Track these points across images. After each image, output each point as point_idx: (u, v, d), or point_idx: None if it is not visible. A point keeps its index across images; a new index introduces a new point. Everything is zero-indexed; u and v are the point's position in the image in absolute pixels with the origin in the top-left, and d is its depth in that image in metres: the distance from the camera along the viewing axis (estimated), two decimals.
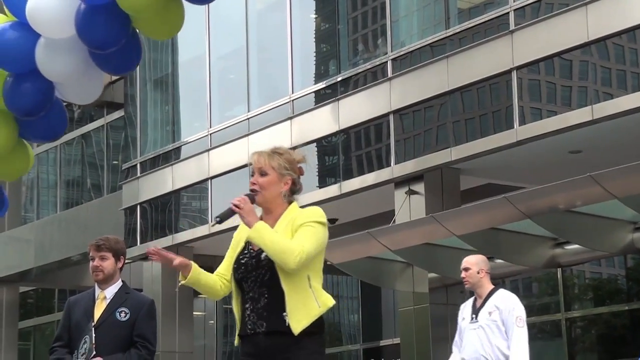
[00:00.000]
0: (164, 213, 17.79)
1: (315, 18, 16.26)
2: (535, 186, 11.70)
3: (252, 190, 4.00)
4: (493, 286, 6.47)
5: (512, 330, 6.21)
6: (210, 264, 20.22)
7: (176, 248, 17.61)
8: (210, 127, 17.10)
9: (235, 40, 17.08)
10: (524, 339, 6.25)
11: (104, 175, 23.33)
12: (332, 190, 14.59)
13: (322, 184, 15.13)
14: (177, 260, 4.06)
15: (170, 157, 17.77)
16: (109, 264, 5.14)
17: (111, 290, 5.17)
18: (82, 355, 5.01)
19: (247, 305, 3.94)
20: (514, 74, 12.13)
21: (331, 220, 16.00)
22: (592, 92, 11.51)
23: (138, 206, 18.20)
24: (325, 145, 15.15)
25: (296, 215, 3.94)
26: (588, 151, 12.33)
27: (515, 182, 13.49)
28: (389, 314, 17.65)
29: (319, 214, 3.95)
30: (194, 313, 18.96)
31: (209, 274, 4.08)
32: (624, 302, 14.51)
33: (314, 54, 16.04)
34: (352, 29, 15.20)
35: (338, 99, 14.66)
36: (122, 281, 5.25)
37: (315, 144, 15.22)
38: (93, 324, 5.05)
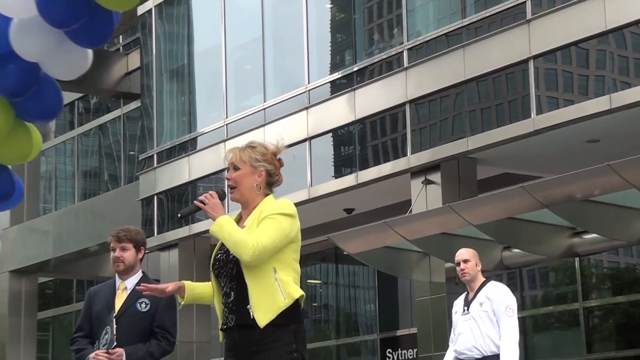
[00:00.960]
0: (181, 203, 17.85)
1: (331, 8, 16.24)
2: (552, 175, 11.67)
3: (229, 187, 4.04)
4: (485, 279, 6.45)
5: (502, 320, 6.19)
6: None
7: (193, 238, 17.68)
8: (227, 117, 17.13)
9: (251, 30, 17.09)
10: (514, 328, 6.22)
11: (120, 166, 23.42)
12: (348, 181, 14.59)
13: (338, 174, 15.13)
14: (169, 288, 4.10)
15: (187, 147, 17.81)
16: (129, 254, 5.17)
17: (132, 281, 5.20)
18: (103, 346, 5.04)
19: (223, 300, 3.97)
20: (531, 64, 12.08)
21: (347, 210, 16.01)
22: (610, 81, 11.46)
23: (155, 197, 18.27)
24: (341, 135, 15.15)
25: (264, 207, 3.96)
26: (606, 140, 12.28)
27: (533, 171, 13.46)
28: (406, 303, 17.66)
29: (283, 205, 3.96)
30: None
31: (204, 284, 4.13)
32: None
33: (330, 44, 16.03)
34: (368, 19, 15.17)
35: (354, 89, 14.65)
36: (143, 272, 5.28)
37: (331, 134, 15.23)
38: (114, 314, 5.08)
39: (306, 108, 15.44)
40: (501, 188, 12.32)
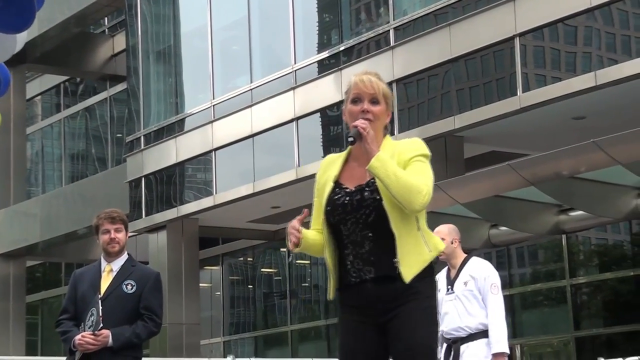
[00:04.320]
0: (169, 185, 17.82)
1: None
2: (539, 153, 11.69)
3: (366, 119, 3.48)
4: (465, 254, 6.33)
5: (488, 298, 6.16)
6: (216, 235, 20.25)
7: (181, 220, 17.67)
8: (214, 98, 17.08)
9: (237, 10, 17.01)
10: (500, 306, 6.18)
11: (108, 148, 23.35)
12: None
13: (327, 153, 15.12)
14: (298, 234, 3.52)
15: (174, 129, 17.77)
16: (123, 235, 5.18)
17: (118, 263, 5.20)
18: (89, 328, 5.04)
19: (347, 251, 3.48)
20: (517, 41, 12.08)
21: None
22: (596, 58, 11.47)
23: (143, 179, 18.23)
24: (329, 115, 15.13)
25: (400, 148, 3.50)
26: (592, 117, 12.31)
27: (519, 149, 13.48)
28: None
29: (423, 146, 3.53)
30: (200, 285, 19.05)
31: (313, 232, 3.58)
32: (630, 267, 14.54)
33: (317, 24, 15.98)
34: None
35: (341, 69, 14.62)
36: (128, 254, 5.29)
37: (318, 113, 15.21)
38: (100, 296, 5.08)
39: (293, 88, 15.41)
40: (488, 166, 12.34)
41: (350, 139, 3.44)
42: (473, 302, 6.14)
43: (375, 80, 3.57)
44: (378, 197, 3.43)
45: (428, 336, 3.46)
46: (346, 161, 3.58)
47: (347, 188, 3.51)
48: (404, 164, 3.45)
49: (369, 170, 3.41)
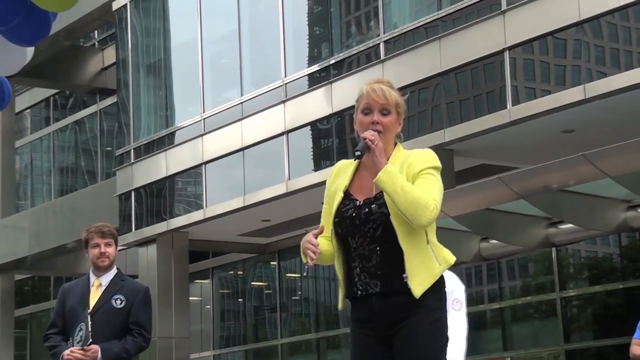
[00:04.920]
0: (159, 199, 17.78)
1: (308, 1, 16.20)
2: (529, 166, 11.72)
3: (376, 131, 3.41)
4: None
5: (449, 314, 5.92)
6: (206, 248, 20.16)
7: (171, 234, 17.62)
8: (204, 111, 17.07)
9: (227, 24, 17.02)
10: (460, 323, 5.98)
11: (98, 161, 23.29)
12: (327, 174, 14.54)
13: (317, 167, 15.12)
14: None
15: (164, 142, 17.74)
16: (113, 250, 5.17)
17: (107, 278, 5.17)
18: (77, 343, 5.02)
19: (354, 264, 3.43)
20: (507, 54, 12.11)
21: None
22: (585, 71, 11.51)
23: (133, 192, 18.18)
24: (319, 128, 15.14)
25: (410, 159, 3.44)
26: (581, 130, 12.34)
27: (510, 162, 13.50)
28: None
29: (435, 157, 3.47)
30: (190, 298, 18.99)
31: (324, 241, 3.49)
32: (619, 280, 14.56)
33: (307, 37, 16.00)
34: (345, 11, 15.15)
35: (331, 82, 14.64)
36: (117, 268, 5.27)
37: (309, 127, 15.21)
38: (89, 311, 5.05)
39: (283, 101, 15.41)
40: (478, 179, 12.35)
41: (357, 153, 3.39)
42: None
43: (387, 89, 3.47)
44: (386, 212, 3.38)
45: (434, 350, 3.40)
46: (357, 169, 3.53)
47: (356, 200, 3.46)
48: (413, 176, 3.40)
49: (376, 184, 3.36)
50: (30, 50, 4.73)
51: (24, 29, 4.36)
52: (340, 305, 3.54)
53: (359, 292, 3.44)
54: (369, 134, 3.38)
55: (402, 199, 3.30)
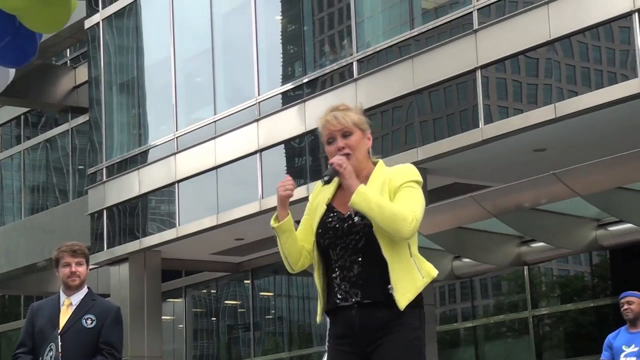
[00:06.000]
0: (132, 217, 17.69)
1: (281, 20, 16.24)
2: (501, 185, 11.78)
3: (344, 155, 3.51)
4: None
5: None
6: (179, 267, 20.01)
7: (144, 252, 17.52)
8: (177, 130, 17.03)
9: (200, 42, 17.02)
10: None
11: (69, 180, 23.14)
12: (300, 192, 14.57)
13: None
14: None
15: (137, 161, 17.66)
16: (84, 269, 5.13)
17: (77, 297, 5.13)
18: None
19: (334, 275, 3.46)
20: (479, 73, 12.20)
21: (299, 222, 15.98)
22: (556, 90, 11.61)
23: (105, 210, 18.07)
24: (292, 146, 15.14)
25: (390, 174, 3.50)
26: (552, 149, 12.43)
27: (482, 181, 13.57)
28: None
29: (414, 171, 3.52)
30: (163, 317, 18.87)
31: (297, 234, 3.57)
32: (590, 298, 14.64)
33: (280, 56, 16.03)
34: (318, 30, 15.21)
35: (304, 101, 14.66)
36: (88, 288, 5.22)
37: (282, 145, 15.21)
38: (59, 331, 5.00)
39: (257, 120, 15.41)
40: (451, 198, 12.39)
41: (325, 178, 3.47)
42: None
43: (341, 114, 3.57)
44: (369, 223, 3.43)
45: None
46: (340, 185, 3.58)
47: (339, 212, 3.51)
48: (394, 190, 3.45)
49: (351, 206, 3.42)
50: (12, 71, 4.71)
51: (11, 50, 4.35)
52: (318, 319, 3.57)
53: (339, 302, 3.45)
54: (336, 159, 3.46)
55: (380, 216, 3.36)
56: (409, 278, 3.41)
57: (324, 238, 3.50)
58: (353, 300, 3.42)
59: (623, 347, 7.56)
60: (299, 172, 15.08)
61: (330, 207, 3.55)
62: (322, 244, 3.51)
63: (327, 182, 3.49)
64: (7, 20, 4.27)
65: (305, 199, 13.11)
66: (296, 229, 3.59)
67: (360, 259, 3.44)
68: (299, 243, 3.55)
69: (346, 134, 3.55)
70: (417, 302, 3.44)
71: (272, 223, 3.55)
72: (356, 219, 3.45)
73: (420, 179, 3.53)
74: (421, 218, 3.42)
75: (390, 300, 3.38)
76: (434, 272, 3.49)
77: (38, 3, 4.21)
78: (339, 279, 3.45)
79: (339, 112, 3.59)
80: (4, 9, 4.22)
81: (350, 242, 3.46)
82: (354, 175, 3.45)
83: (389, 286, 3.38)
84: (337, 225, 3.49)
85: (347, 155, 3.51)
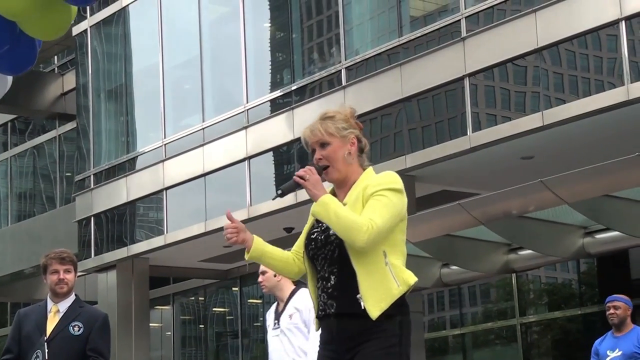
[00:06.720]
0: (120, 224, 17.64)
1: (270, 27, 16.25)
2: (489, 192, 11.80)
3: (322, 168, 3.55)
4: (294, 286, 5.86)
5: (311, 331, 5.73)
6: (166, 274, 19.97)
7: (132, 259, 17.47)
8: (165, 137, 17.00)
9: (189, 50, 17.01)
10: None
11: (57, 187, 23.07)
12: (288, 200, 14.57)
13: None
14: (235, 239, 3.65)
15: (125, 168, 17.63)
16: (72, 276, 5.11)
17: (65, 304, 5.11)
18: None
19: (318, 285, 3.53)
20: (467, 81, 12.23)
21: (287, 230, 15.98)
22: (544, 98, 11.65)
23: (92, 218, 18.02)
24: (281, 154, 15.14)
25: (368, 183, 3.50)
26: (539, 157, 12.46)
27: (470, 188, 13.59)
28: None
29: (391, 179, 3.51)
30: (151, 324, 18.81)
31: (277, 248, 3.67)
32: (578, 306, 14.67)
33: (269, 63, 16.04)
34: (307, 38, 15.22)
35: (293, 108, 14.67)
36: (76, 295, 5.20)
37: (271, 153, 15.21)
38: (45, 338, 4.98)
39: (245, 127, 15.41)
40: (439, 205, 12.41)
41: (279, 192, 3.54)
42: (297, 334, 5.69)
43: (316, 126, 3.60)
44: None
45: None
46: (332, 193, 3.61)
47: (322, 224, 3.55)
48: (366, 199, 3.47)
49: (313, 216, 3.49)
50: (10, 79, 4.70)
51: (11, 57, 4.34)
52: (315, 326, 3.62)
53: (320, 313, 3.54)
54: (300, 172, 3.51)
55: (337, 226, 3.40)
56: (382, 287, 3.41)
57: (308, 249, 3.58)
58: (330, 311, 3.49)
59: (608, 352, 7.57)
60: (288, 179, 15.05)
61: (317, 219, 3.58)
62: (308, 255, 3.58)
63: (281, 196, 3.55)
64: (7, 28, 4.26)
65: (294, 206, 13.18)
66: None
67: (335, 269, 3.48)
68: (282, 258, 3.64)
69: (323, 145, 3.58)
70: (397, 310, 3.43)
71: (245, 257, 3.64)
72: (331, 230, 3.48)
73: (398, 186, 3.51)
74: (384, 227, 3.39)
75: (365, 310, 3.41)
76: (412, 280, 3.47)
77: (39, 9, 4.21)
78: (320, 290, 3.53)
79: (318, 122, 3.62)
80: (4, 15, 4.21)
81: (328, 252, 3.50)
82: (319, 185, 3.47)
83: (358, 296, 3.41)
84: (319, 237, 3.54)
85: (326, 167, 3.55)
